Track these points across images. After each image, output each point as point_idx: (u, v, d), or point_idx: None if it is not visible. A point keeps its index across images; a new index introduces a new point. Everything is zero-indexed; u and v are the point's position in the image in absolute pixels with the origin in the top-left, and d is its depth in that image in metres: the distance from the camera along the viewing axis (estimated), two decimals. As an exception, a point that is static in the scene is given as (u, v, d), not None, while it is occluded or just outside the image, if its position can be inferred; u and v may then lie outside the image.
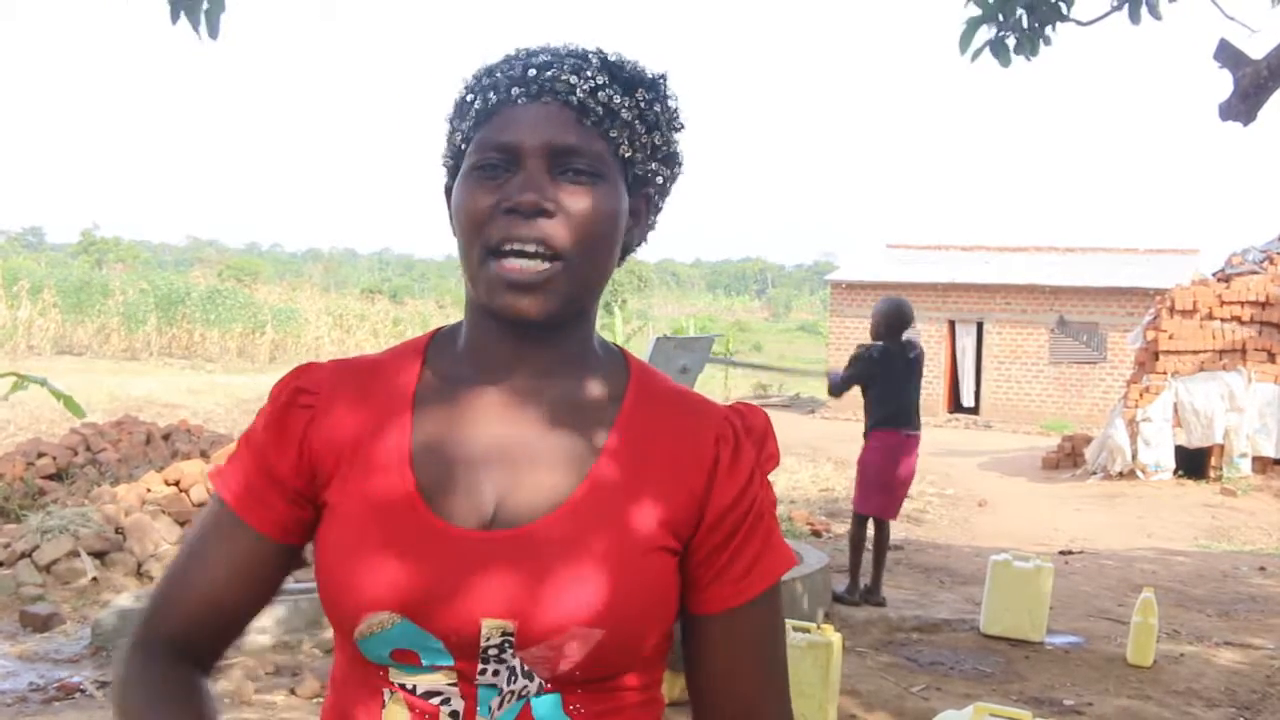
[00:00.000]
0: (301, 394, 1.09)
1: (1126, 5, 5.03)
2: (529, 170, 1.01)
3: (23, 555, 6.30)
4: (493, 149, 1.02)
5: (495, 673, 1.00)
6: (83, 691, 4.68)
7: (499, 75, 1.03)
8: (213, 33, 4.39)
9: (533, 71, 1.02)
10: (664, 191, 1.11)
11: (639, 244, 1.11)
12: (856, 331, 21.26)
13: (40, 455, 8.59)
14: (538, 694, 1.00)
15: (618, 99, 1.02)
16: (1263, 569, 8.43)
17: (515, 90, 1.02)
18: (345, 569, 1.02)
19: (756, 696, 1.10)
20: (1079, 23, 5.28)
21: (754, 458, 1.08)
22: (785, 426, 18.17)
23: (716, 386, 23.56)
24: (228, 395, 17.58)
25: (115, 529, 6.58)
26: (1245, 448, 13.05)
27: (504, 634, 0.99)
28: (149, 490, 7.14)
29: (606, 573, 1.00)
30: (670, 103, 1.07)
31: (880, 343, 6.47)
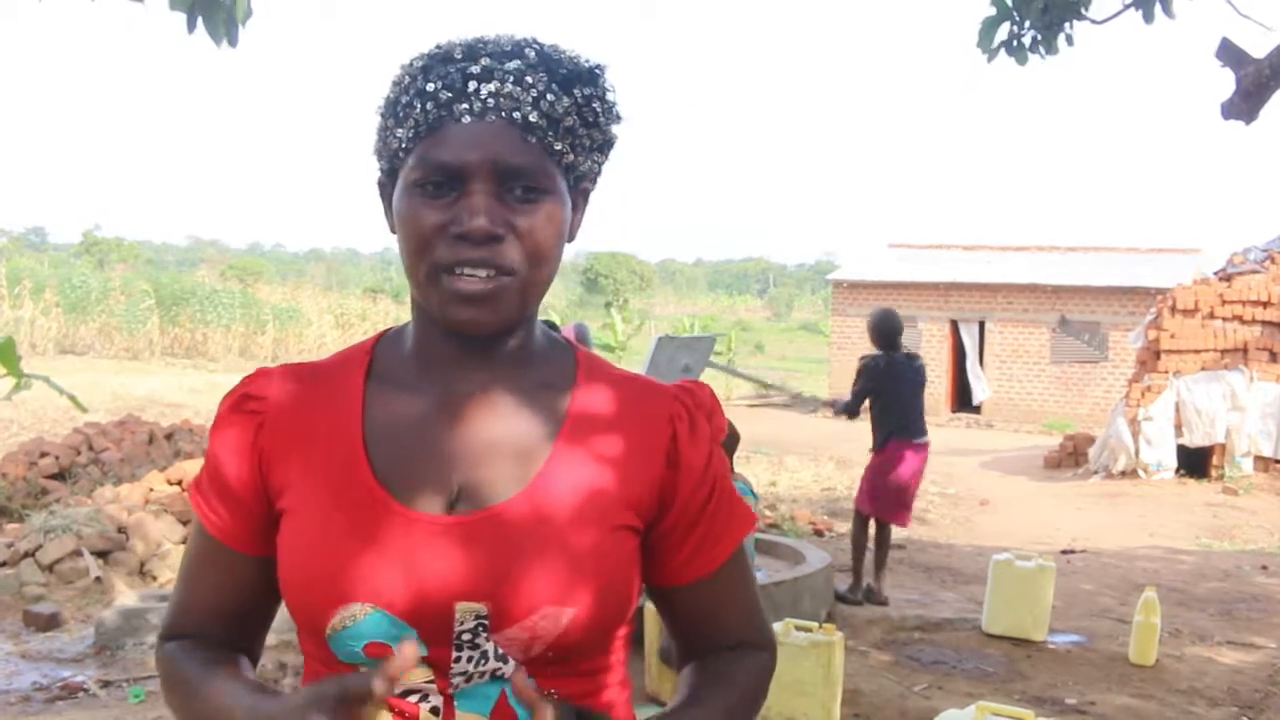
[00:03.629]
0: (248, 400, 1.10)
1: (1141, 4, 5.01)
2: (476, 193, 0.99)
3: (26, 555, 6.31)
4: (435, 169, 1.00)
5: (469, 659, 1.00)
6: (86, 691, 4.68)
7: (437, 83, 0.99)
8: (232, 41, 4.37)
9: (473, 84, 0.99)
10: (598, 176, 1.11)
11: (572, 240, 1.10)
12: (858, 331, 21.24)
13: (43, 455, 8.60)
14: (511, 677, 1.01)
15: (560, 106, 1.00)
16: (1265, 568, 8.42)
17: (458, 107, 0.99)
18: (311, 566, 1.02)
19: (742, 632, 1.17)
20: (1094, 21, 5.27)
21: (709, 431, 1.11)
22: (786, 426, 18.18)
23: (718, 387, 23.56)
24: (230, 395, 17.53)
25: (118, 528, 6.59)
26: (1247, 447, 13.04)
27: (478, 617, 0.99)
28: (152, 490, 7.15)
29: (574, 552, 1.01)
30: (609, 97, 1.05)
31: (883, 353, 6.52)
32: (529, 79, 0.99)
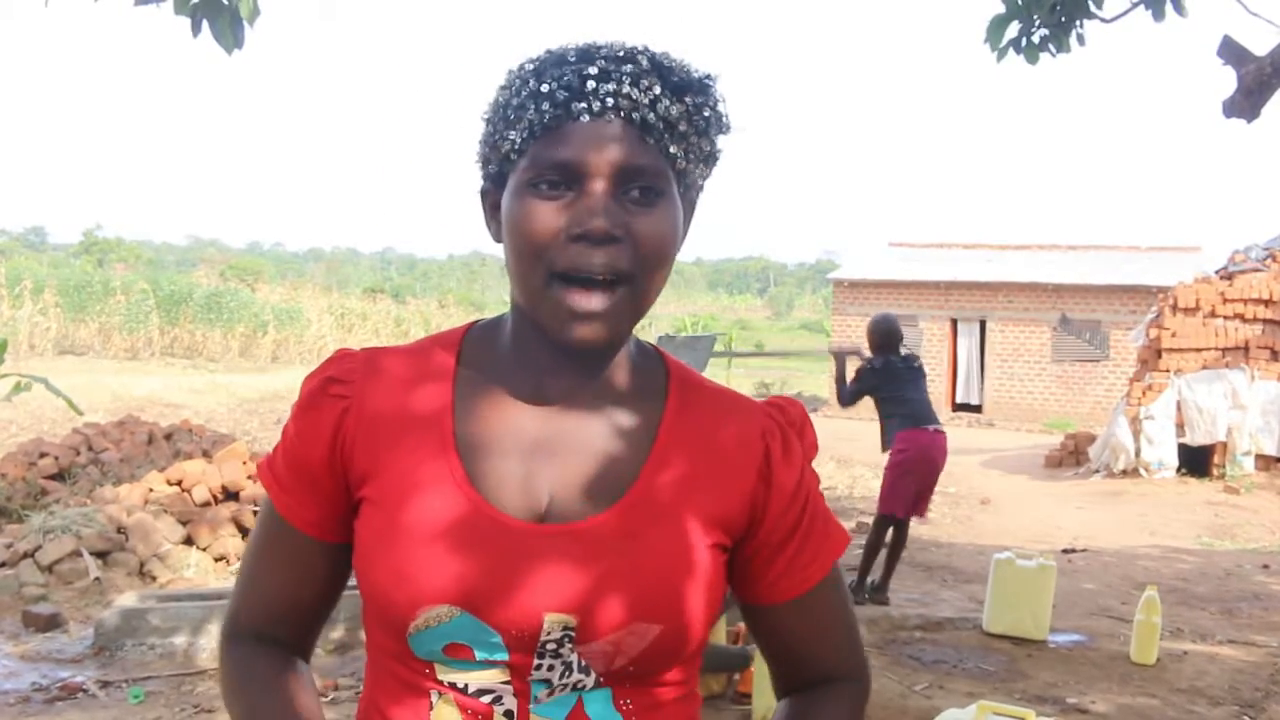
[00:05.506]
0: (333, 384, 1.08)
1: (1151, 2, 4.99)
2: (595, 193, 0.97)
3: (25, 555, 6.30)
4: (553, 167, 0.98)
5: (550, 667, 0.99)
6: (85, 691, 4.68)
7: (553, 84, 0.98)
8: (239, 44, 4.35)
9: (591, 84, 0.97)
10: (702, 189, 1.10)
11: (679, 249, 1.08)
12: (859, 330, 21.23)
13: (42, 455, 8.60)
14: (592, 689, 1.00)
15: (674, 110, 0.99)
16: (1266, 567, 8.42)
17: (576, 105, 0.97)
18: (397, 561, 1.00)
19: (840, 663, 1.15)
20: (1104, 20, 5.25)
21: (801, 449, 1.10)
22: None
23: (718, 380, 23.51)
24: (230, 395, 17.59)
25: (118, 529, 6.58)
26: (1248, 446, 13.04)
27: (565, 629, 0.99)
28: (151, 490, 7.15)
29: (664, 569, 1.01)
30: (719, 106, 1.04)
31: (878, 356, 6.54)
32: (644, 82, 0.98)
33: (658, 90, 0.98)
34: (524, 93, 0.99)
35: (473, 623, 0.98)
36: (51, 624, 5.59)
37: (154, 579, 6.39)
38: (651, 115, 0.98)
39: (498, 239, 1.04)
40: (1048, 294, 20.89)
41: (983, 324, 21.52)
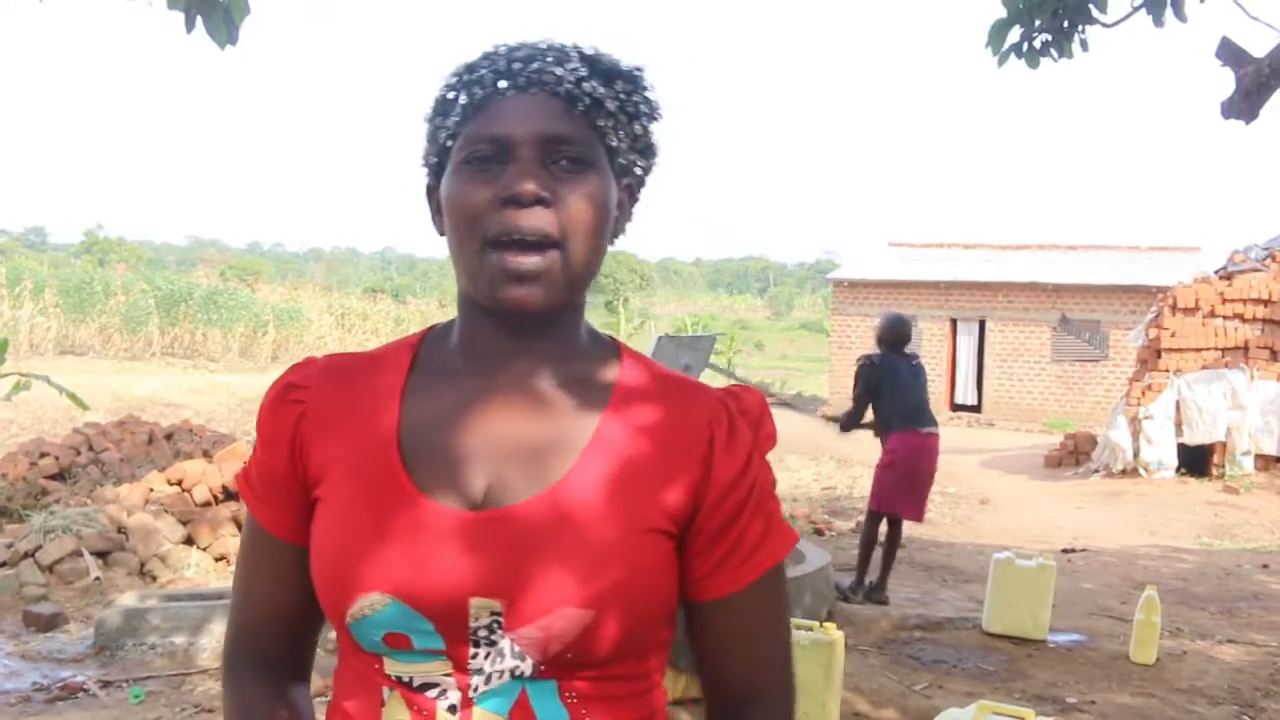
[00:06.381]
0: (291, 389, 1.10)
1: (1152, 7, 4.99)
2: (523, 160, 1.01)
3: (26, 555, 6.30)
4: (483, 141, 1.01)
5: (486, 655, 1.00)
6: (86, 691, 4.68)
7: (482, 70, 1.03)
8: (232, 40, 4.35)
9: (518, 64, 1.02)
10: (641, 183, 1.11)
11: (619, 236, 1.09)
12: (859, 330, 21.24)
13: (43, 455, 8.61)
14: (532, 678, 1.00)
15: (602, 89, 1.02)
16: (1265, 566, 8.42)
17: (502, 83, 1.01)
18: (337, 554, 1.02)
19: (762, 677, 1.10)
20: (1105, 24, 5.25)
21: (750, 439, 1.07)
22: (787, 425, 18.05)
23: (717, 385, 23.53)
24: (230, 395, 17.58)
25: (118, 529, 6.59)
26: (1248, 445, 13.05)
27: (492, 613, 0.99)
28: (152, 490, 7.15)
29: (595, 555, 0.99)
30: (649, 94, 1.06)
31: (878, 353, 6.55)
32: (571, 64, 1.02)
33: (584, 72, 1.02)
34: (458, 86, 1.04)
35: (404, 610, 0.99)
36: (52, 624, 5.59)
37: (154, 579, 6.40)
38: (577, 90, 1.01)
39: (442, 232, 1.07)
40: (1047, 294, 20.90)
41: (982, 324, 21.52)
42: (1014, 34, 5.21)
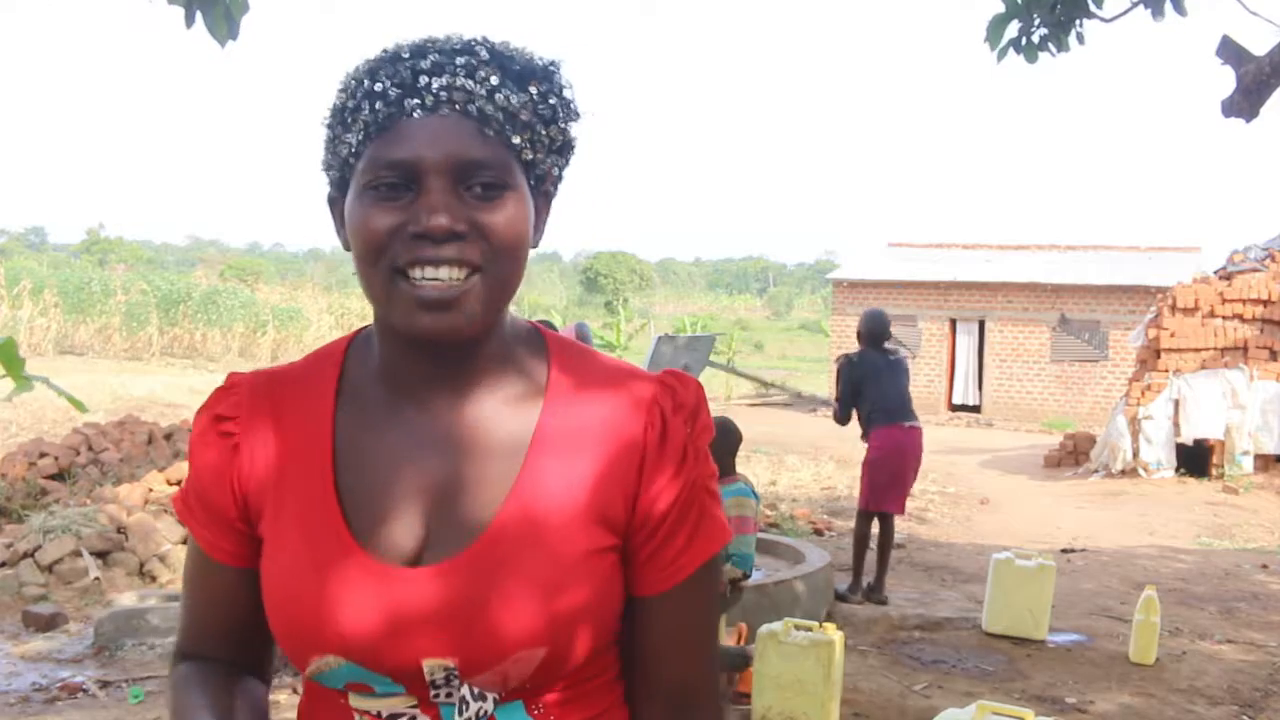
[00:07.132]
0: (221, 421, 1.07)
1: (1151, 1, 4.99)
2: (433, 190, 0.94)
3: (25, 555, 6.30)
4: (388, 167, 0.94)
5: (449, 694, 1.00)
6: (85, 691, 4.68)
7: (386, 82, 0.95)
8: (233, 34, 4.35)
9: (424, 79, 0.94)
10: (559, 181, 1.06)
11: (537, 245, 1.03)
12: (858, 330, 21.19)
13: (42, 455, 8.60)
14: (499, 704, 1.00)
15: (515, 99, 0.96)
16: (1265, 567, 8.42)
17: (409, 102, 0.94)
18: (289, 611, 1.01)
19: (688, 673, 1.07)
20: (1103, 19, 5.26)
21: (685, 435, 1.04)
22: (787, 425, 18.18)
23: (719, 387, 23.56)
24: (230, 395, 17.52)
25: (117, 529, 6.59)
26: (1247, 445, 13.04)
27: (446, 669, 0.98)
28: (151, 490, 7.15)
29: (542, 592, 0.97)
30: (566, 93, 1.00)
31: (858, 351, 6.63)
32: (481, 73, 0.95)
33: (495, 80, 0.95)
34: (359, 94, 0.96)
35: (359, 670, 0.99)
36: (51, 624, 5.59)
37: (154, 579, 6.40)
38: (490, 106, 0.95)
39: (348, 248, 1.00)
40: (1047, 294, 20.89)
41: (982, 324, 21.51)
42: (1012, 29, 5.23)
